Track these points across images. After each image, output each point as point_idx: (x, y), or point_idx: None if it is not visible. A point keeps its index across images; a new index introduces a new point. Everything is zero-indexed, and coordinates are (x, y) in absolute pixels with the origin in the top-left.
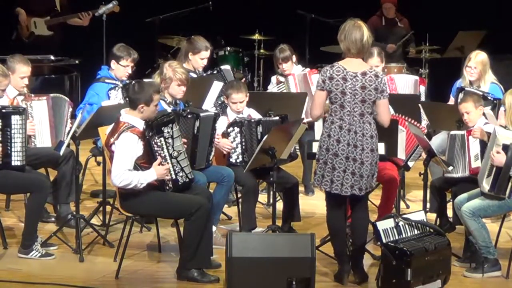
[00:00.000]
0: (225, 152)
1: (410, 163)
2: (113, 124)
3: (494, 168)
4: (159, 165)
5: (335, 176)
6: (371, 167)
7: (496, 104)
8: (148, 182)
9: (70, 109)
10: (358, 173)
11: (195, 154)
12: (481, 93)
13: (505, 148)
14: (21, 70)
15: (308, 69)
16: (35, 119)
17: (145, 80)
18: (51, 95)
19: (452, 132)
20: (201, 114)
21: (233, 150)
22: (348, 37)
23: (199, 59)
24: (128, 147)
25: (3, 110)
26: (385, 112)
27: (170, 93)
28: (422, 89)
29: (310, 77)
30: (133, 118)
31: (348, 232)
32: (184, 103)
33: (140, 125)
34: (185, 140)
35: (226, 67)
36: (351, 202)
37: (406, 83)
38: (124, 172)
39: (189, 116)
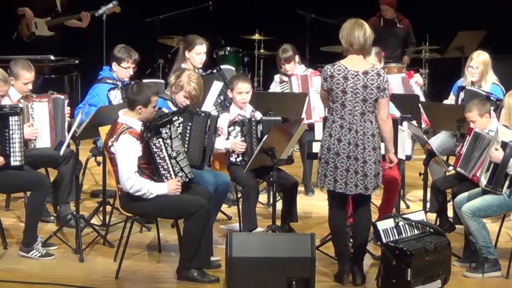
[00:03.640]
0: (238, 151)
1: (407, 151)
2: (111, 125)
3: (492, 164)
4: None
5: (338, 175)
6: (375, 166)
7: (498, 105)
8: (158, 194)
9: (68, 108)
10: (362, 172)
11: (205, 152)
12: (484, 93)
13: (504, 145)
14: (25, 76)
15: (311, 70)
16: (35, 120)
17: (144, 80)
18: (52, 96)
19: (478, 131)
20: (212, 114)
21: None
22: (350, 33)
23: (195, 55)
24: (128, 150)
25: (1, 111)
26: (384, 110)
27: (176, 98)
28: (412, 82)
29: (311, 79)
30: (131, 120)
31: (349, 232)
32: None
33: (138, 127)
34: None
35: (229, 67)
36: (354, 201)
37: (394, 83)
38: (135, 176)
39: (202, 114)
